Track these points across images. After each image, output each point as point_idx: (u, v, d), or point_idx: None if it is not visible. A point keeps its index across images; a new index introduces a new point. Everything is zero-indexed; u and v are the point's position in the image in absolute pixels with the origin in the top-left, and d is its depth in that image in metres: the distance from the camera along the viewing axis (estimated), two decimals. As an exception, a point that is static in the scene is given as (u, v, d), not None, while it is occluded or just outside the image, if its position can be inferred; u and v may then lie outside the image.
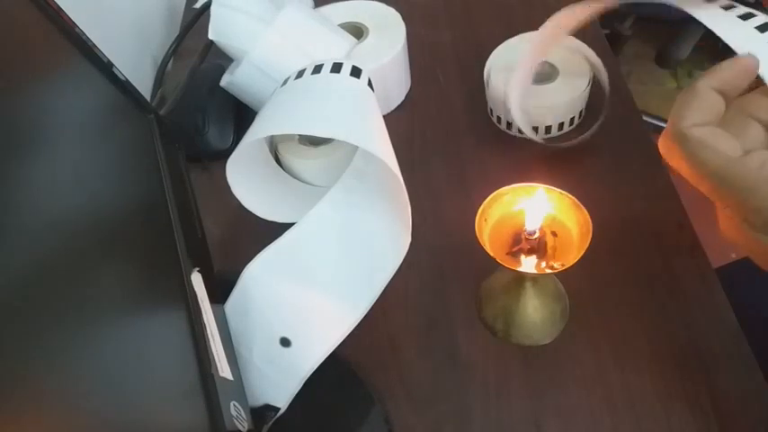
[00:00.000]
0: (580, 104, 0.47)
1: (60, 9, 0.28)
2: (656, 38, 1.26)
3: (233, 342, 0.35)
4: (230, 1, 0.44)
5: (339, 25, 0.50)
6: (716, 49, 1.16)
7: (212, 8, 0.44)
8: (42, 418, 0.17)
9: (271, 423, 0.33)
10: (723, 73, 0.24)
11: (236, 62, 0.47)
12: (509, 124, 0.48)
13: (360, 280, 0.39)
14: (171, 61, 0.57)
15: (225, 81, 0.46)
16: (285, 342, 0.36)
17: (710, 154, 0.22)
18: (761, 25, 0.29)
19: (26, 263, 0.19)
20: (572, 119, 0.47)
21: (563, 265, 0.31)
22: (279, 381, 0.34)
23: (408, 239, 0.39)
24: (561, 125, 0.47)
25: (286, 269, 0.38)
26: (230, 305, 0.37)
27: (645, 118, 0.50)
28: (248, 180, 0.42)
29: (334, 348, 0.35)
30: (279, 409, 0.34)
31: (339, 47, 0.45)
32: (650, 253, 0.40)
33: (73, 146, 0.26)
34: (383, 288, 0.39)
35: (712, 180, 0.23)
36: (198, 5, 0.56)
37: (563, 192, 0.33)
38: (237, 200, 0.41)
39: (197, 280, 0.32)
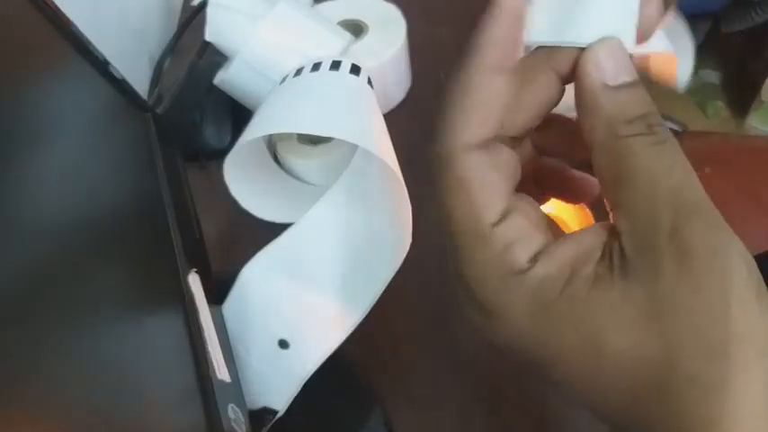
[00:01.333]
0: None
1: (56, 6, 0.28)
2: (657, 35, 1.25)
3: (231, 343, 0.35)
4: (227, 1, 0.43)
5: (339, 22, 0.49)
6: (720, 48, 1.16)
7: (208, 9, 0.43)
8: (38, 421, 0.16)
9: (269, 426, 0.33)
10: (500, 38, 0.16)
11: (231, 60, 0.46)
12: None
13: (360, 280, 0.38)
14: (168, 59, 0.57)
15: (218, 79, 0.46)
16: (283, 344, 0.35)
17: (466, 213, 0.16)
18: None
19: (19, 264, 0.19)
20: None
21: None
22: (277, 383, 0.34)
23: (409, 239, 0.39)
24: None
25: (285, 270, 0.38)
26: (228, 306, 0.36)
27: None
28: (246, 179, 0.41)
29: (333, 350, 0.34)
30: (277, 411, 0.34)
31: (333, 44, 0.45)
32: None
33: (68, 145, 0.26)
34: (383, 288, 0.39)
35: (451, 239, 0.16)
36: (195, 2, 0.56)
37: (565, 192, 0.33)
38: (236, 199, 0.41)
39: (194, 281, 0.31)
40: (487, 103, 0.16)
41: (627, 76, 0.15)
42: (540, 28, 0.18)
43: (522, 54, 0.16)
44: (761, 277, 0.15)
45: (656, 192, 0.14)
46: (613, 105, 0.15)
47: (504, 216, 0.16)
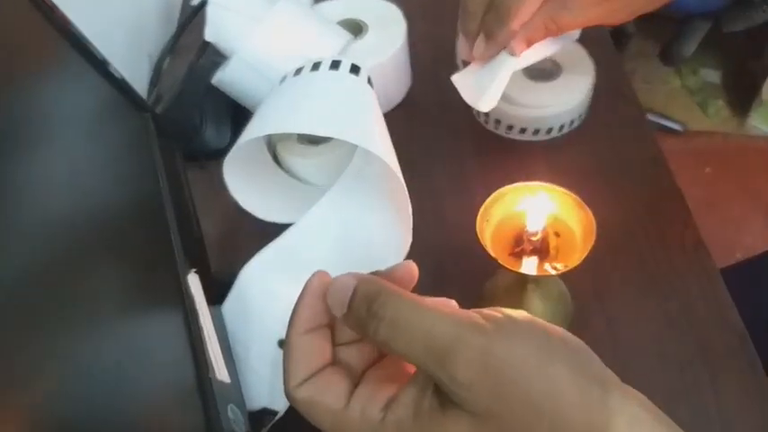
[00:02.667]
0: (584, 106, 0.47)
1: (54, 6, 0.27)
2: (660, 35, 1.25)
3: (230, 344, 0.35)
4: (226, 1, 0.43)
5: (339, 22, 0.49)
6: (721, 47, 1.15)
7: (208, 9, 0.43)
8: (39, 421, 0.16)
9: (269, 427, 0.33)
10: (303, 312, 0.23)
11: (229, 60, 0.46)
12: (497, 122, 0.47)
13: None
14: (167, 59, 0.57)
15: (216, 78, 0.46)
16: (283, 344, 0.35)
17: (320, 412, 0.22)
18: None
19: (19, 264, 0.18)
20: (572, 120, 0.47)
21: (566, 267, 0.31)
22: (277, 384, 0.34)
23: (409, 239, 0.39)
24: (561, 126, 0.47)
25: (284, 270, 0.38)
26: (227, 306, 0.36)
27: (649, 116, 0.50)
28: (246, 180, 0.41)
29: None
30: (277, 412, 0.33)
31: (331, 44, 0.44)
32: (654, 253, 0.40)
33: (68, 145, 0.25)
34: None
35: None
36: (194, 2, 0.56)
37: (566, 191, 0.32)
38: (235, 199, 0.41)
39: (194, 281, 0.31)
40: (301, 358, 0.22)
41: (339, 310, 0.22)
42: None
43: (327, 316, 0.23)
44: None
45: (415, 354, 0.20)
46: (351, 322, 0.21)
47: (349, 397, 0.22)
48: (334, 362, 0.23)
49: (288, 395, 0.22)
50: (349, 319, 0.21)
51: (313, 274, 0.24)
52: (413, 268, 0.24)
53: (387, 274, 0.24)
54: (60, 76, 0.28)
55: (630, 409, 0.20)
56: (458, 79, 0.40)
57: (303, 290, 0.23)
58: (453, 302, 0.23)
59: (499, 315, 0.20)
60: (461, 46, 0.40)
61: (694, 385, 0.34)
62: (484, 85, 0.39)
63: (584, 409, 0.19)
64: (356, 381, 0.23)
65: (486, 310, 0.20)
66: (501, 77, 0.38)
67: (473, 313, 0.20)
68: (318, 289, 0.23)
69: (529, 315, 0.21)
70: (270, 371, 0.35)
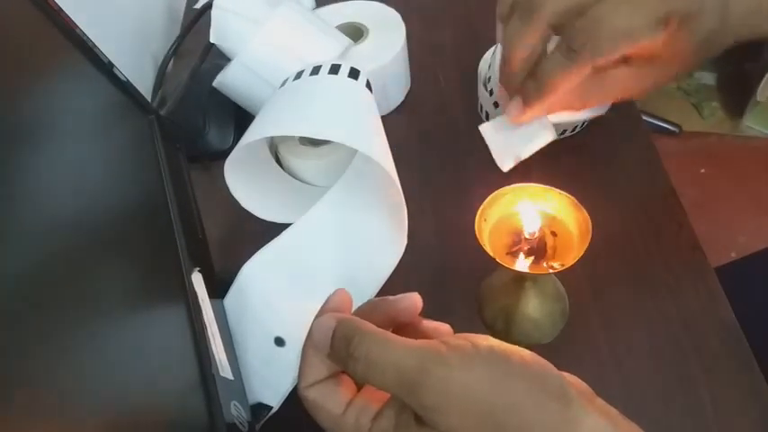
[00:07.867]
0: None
1: (61, 9, 0.28)
2: (656, 37, 1.25)
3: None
4: (231, 4, 0.44)
5: (339, 26, 0.50)
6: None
7: (213, 12, 0.44)
8: (43, 419, 0.17)
9: (263, 422, 0.33)
10: (318, 329, 0.26)
11: (230, 63, 0.47)
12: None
13: (357, 280, 0.39)
14: (172, 61, 0.57)
15: (217, 81, 0.46)
16: (279, 342, 0.36)
17: (321, 414, 0.25)
18: None
19: (26, 263, 0.19)
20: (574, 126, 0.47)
21: (562, 266, 0.31)
22: (272, 380, 0.35)
23: (404, 240, 0.39)
24: (563, 132, 0.47)
25: (283, 269, 0.38)
26: (227, 303, 0.37)
27: (645, 118, 0.50)
28: (248, 180, 0.42)
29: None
30: (272, 407, 0.34)
31: (331, 48, 0.45)
32: (650, 253, 0.41)
33: (74, 146, 0.26)
34: (378, 289, 0.39)
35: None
36: (198, 5, 0.56)
37: (562, 192, 0.33)
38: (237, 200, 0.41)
39: (198, 280, 0.32)
40: (313, 364, 0.25)
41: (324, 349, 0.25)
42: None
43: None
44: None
45: (389, 387, 0.23)
46: (335, 360, 0.25)
47: (348, 405, 0.25)
48: (342, 372, 0.26)
49: (299, 393, 0.26)
50: (332, 357, 0.25)
51: (334, 291, 0.27)
52: (417, 300, 0.27)
53: (392, 303, 0.27)
54: (66, 78, 0.28)
55: (590, 420, 0.22)
56: (486, 130, 0.40)
57: (323, 305, 0.27)
58: (448, 327, 0.27)
59: (464, 343, 0.23)
60: (501, 94, 0.39)
61: (689, 383, 0.35)
62: (514, 149, 0.38)
63: (544, 422, 0.21)
64: (357, 391, 0.26)
65: (452, 339, 0.23)
66: (533, 146, 0.38)
67: (438, 344, 0.23)
68: (338, 306, 0.27)
69: (493, 341, 0.23)
70: (265, 367, 0.35)
